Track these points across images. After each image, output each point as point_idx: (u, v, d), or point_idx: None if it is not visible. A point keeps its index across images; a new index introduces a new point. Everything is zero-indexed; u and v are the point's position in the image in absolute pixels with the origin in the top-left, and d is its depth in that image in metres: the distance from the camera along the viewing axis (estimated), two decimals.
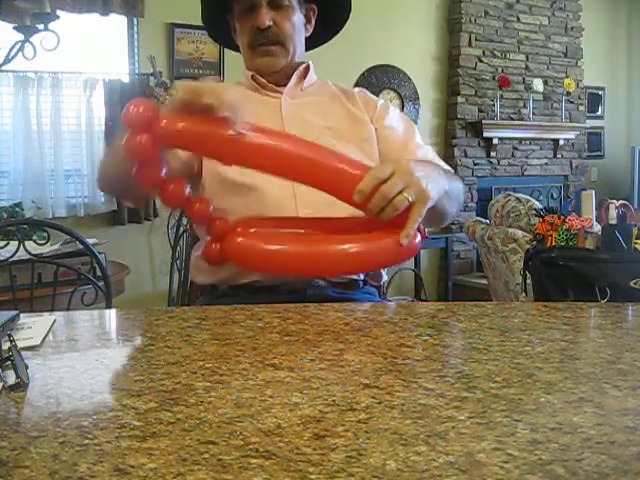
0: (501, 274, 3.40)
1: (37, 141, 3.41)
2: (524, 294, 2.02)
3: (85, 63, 3.52)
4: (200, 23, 1.37)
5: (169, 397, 0.57)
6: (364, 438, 0.48)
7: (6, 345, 0.65)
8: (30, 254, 1.77)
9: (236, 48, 1.33)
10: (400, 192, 0.89)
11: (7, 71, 3.18)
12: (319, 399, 0.56)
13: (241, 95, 1.29)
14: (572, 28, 5.36)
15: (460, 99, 4.78)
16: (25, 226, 2.13)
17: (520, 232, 3.23)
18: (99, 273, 1.79)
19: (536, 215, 2.75)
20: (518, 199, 3.40)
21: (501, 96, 4.88)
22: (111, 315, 1.04)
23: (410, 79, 4.68)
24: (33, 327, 0.81)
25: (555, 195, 5.31)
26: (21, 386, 0.59)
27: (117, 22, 3.66)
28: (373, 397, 0.56)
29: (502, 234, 3.29)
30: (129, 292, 2.98)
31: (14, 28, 2.49)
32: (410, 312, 0.92)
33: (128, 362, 0.71)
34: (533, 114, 5.06)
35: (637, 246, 1.83)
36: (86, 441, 0.48)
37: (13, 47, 2.53)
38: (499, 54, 4.97)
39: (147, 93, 3.47)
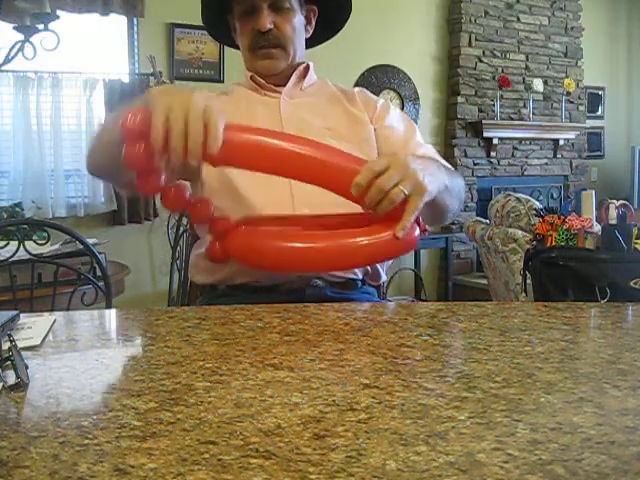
0: (501, 274, 3.40)
1: (37, 141, 3.41)
2: (524, 294, 2.02)
3: (85, 63, 3.52)
4: (200, 23, 1.37)
5: (169, 397, 0.57)
6: (364, 438, 0.48)
7: (6, 345, 0.65)
8: (30, 254, 1.77)
9: (236, 46, 1.33)
10: (396, 185, 0.89)
11: (7, 71, 3.18)
12: (319, 399, 0.56)
13: (240, 95, 1.30)
14: (572, 28, 5.36)
15: (460, 99, 4.78)
16: (25, 226, 2.13)
17: (520, 232, 3.23)
18: (99, 273, 1.80)
19: (536, 215, 2.75)
20: (518, 199, 3.40)
21: (501, 96, 4.88)
22: (111, 315, 1.04)
23: (410, 79, 4.68)
24: (33, 327, 0.81)
25: (555, 195, 5.31)
26: (21, 386, 0.59)
27: (117, 22, 3.66)
28: (373, 397, 0.56)
29: (502, 234, 3.29)
30: (129, 292, 2.98)
31: (14, 28, 2.49)
32: (410, 312, 0.92)
33: (128, 362, 0.71)
34: (533, 114, 5.06)
35: (637, 246, 1.83)
36: (86, 441, 0.48)
37: (13, 47, 2.53)
38: (499, 54, 4.97)
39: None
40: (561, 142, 5.27)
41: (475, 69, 4.85)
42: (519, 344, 0.73)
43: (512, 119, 5.02)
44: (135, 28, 3.70)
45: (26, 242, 1.78)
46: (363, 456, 0.45)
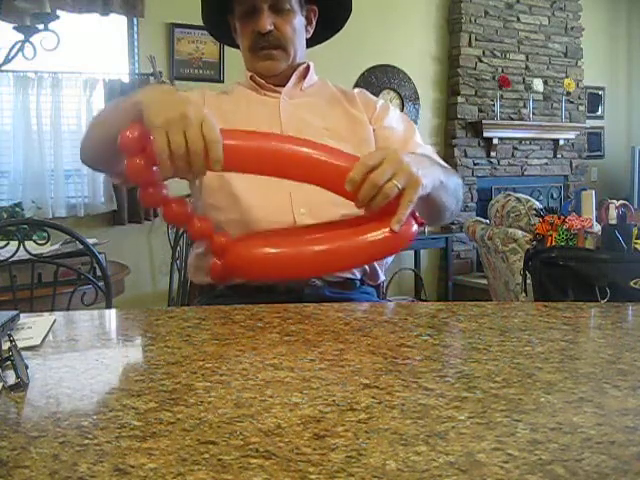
0: (501, 274, 3.40)
1: (37, 141, 3.41)
2: (524, 294, 2.02)
3: (85, 63, 3.52)
4: (200, 23, 1.37)
5: (169, 397, 0.57)
6: (364, 438, 0.48)
7: (6, 345, 0.65)
8: (30, 254, 1.77)
9: (237, 46, 1.33)
10: (390, 179, 0.90)
11: (7, 71, 3.18)
12: (319, 399, 0.56)
13: (240, 95, 1.30)
14: (572, 28, 5.36)
15: (460, 99, 4.78)
16: (25, 226, 2.13)
17: (520, 232, 3.23)
18: (99, 273, 1.80)
19: (536, 215, 2.75)
20: (518, 199, 3.40)
21: (501, 96, 4.88)
22: (111, 315, 1.04)
23: (410, 79, 4.68)
24: (33, 327, 0.81)
25: (555, 195, 5.31)
26: (21, 386, 0.59)
27: (117, 22, 3.66)
28: (373, 397, 0.56)
29: (502, 234, 3.29)
30: (129, 292, 2.98)
31: (14, 28, 2.49)
32: (410, 312, 0.92)
33: (128, 362, 0.71)
34: (533, 114, 5.06)
35: (637, 246, 1.83)
36: (86, 441, 0.48)
37: (13, 47, 2.53)
38: (499, 54, 4.97)
39: None
40: (561, 142, 5.27)
41: (475, 69, 4.85)
42: (519, 344, 0.73)
43: (512, 119, 5.02)
44: (135, 28, 3.70)
45: (26, 242, 1.78)
46: (363, 456, 0.45)
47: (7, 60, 2.57)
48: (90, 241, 1.90)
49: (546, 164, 5.27)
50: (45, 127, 3.42)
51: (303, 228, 1.09)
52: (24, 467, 0.44)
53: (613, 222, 1.87)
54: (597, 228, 1.96)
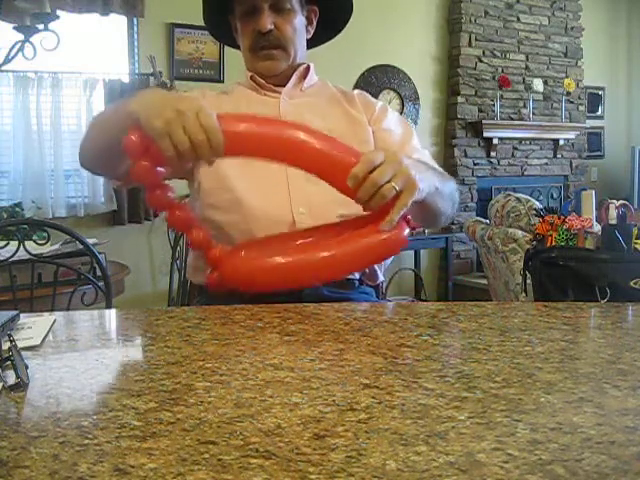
0: (501, 274, 3.40)
1: (37, 141, 3.41)
2: (524, 294, 2.02)
3: (85, 63, 3.52)
4: (200, 23, 1.37)
5: (169, 397, 0.57)
6: (364, 438, 0.48)
7: (6, 345, 0.65)
8: (30, 254, 1.77)
9: (238, 47, 1.33)
10: (389, 181, 0.91)
11: (7, 71, 3.18)
12: (319, 399, 0.56)
13: (240, 95, 1.30)
14: (572, 28, 5.36)
15: (460, 99, 4.78)
16: (25, 226, 2.13)
17: (520, 232, 3.23)
18: (99, 273, 1.79)
19: (536, 215, 2.75)
20: (518, 199, 3.40)
21: (501, 96, 4.88)
22: (111, 315, 1.04)
23: (410, 79, 4.68)
24: (33, 327, 0.81)
25: (555, 195, 5.31)
26: (21, 386, 0.59)
27: (117, 22, 3.66)
28: (373, 397, 0.56)
29: (502, 234, 3.29)
30: (129, 292, 2.98)
31: (14, 28, 2.49)
32: (410, 312, 0.92)
33: (128, 362, 0.71)
34: (533, 114, 5.06)
35: (637, 246, 1.83)
36: (86, 441, 0.48)
37: (13, 47, 2.53)
38: (499, 54, 4.97)
39: None
40: (561, 142, 5.27)
41: (475, 69, 4.85)
42: (519, 344, 0.73)
43: (512, 119, 5.02)
44: (135, 28, 3.70)
45: (26, 242, 1.78)
46: (363, 456, 0.45)
47: (7, 60, 2.57)
48: (90, 241, 1.90)
49: (546, 164, 5.27)
50: (45, 127, 3.42)
51: (297, 235, 1.09)
52: (24, 467, 0.44)
53: (613, 222, 1.87)
54: (597, 228, 1.96)
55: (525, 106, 5.05)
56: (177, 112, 0.88)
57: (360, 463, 0.44)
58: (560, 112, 5.23)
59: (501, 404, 0.55)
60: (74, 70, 3.46)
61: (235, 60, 1.45)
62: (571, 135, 5.31)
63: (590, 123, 5.60)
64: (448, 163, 4.76)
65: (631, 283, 1.73)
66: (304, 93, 1.31)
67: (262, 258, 1.00)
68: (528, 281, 2.00)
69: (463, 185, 4.80)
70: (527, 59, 5.13)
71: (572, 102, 5.34)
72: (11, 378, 0.60)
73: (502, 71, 4.96)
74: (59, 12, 2.88)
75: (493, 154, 4.92)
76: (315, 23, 1.32)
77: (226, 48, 1.76)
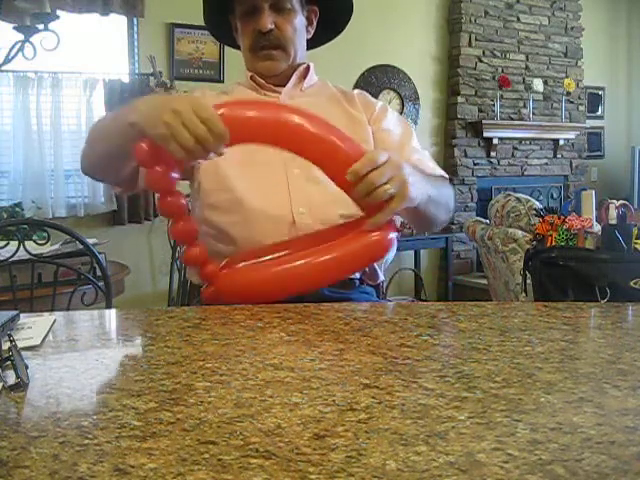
0: (501, 274, 3.40)
1: (37, 141, 3.41)
2: (524, 294, 2.02)
3: (85, 63, 3.52)
4: (200, 23, 1.37)
5: (169, 397, 0.57)
6: (364, 438, 0.48)
7: (6, 345, 0.65)
8: (30, 254, 1.77)
9: (238, 47, 1.33)
10: (385, 182, 0.93)
11: (7, 71, 3.17)
12: (319, 399, 0.56)
13: (240, 95, 1.30)
14: (572, 28, 5.35)
15: (460, 99, 4.78)
16: (25, 226, 2.13)
17: (520, 232, 3.23)
18: (99, 273, 1.79)
19: (536, 215, 2.75)
20: (518, 199, 3.40)
21: (501, 96, 4.88)
22: (111, 315, 1.04)
23: (410, 79, 4.67)
24: (33, 327, 0.81)
25: (555, 195, 5.31)
26: (21, 386, 0.59)
27: (117, 22, 3.66)
28: (373, 397, 0.56)
29: (502, 234, 3.29)
30: (129, 292, 2.97)
31: (14, 28, 2.49)
32: (410, 312, 0.92)
33: (128, 362, 0.71)
34: (533, 114, 5.06)
35: (637, 246, 1.83)
36: (86, 441, 0.48)
37: (13, 47, 2.53)
38: (499, 54, 4.97)
39: (147, 93, 3.47)
40: (561, 142, 5.27)
41: (475, 69, 4.85)
42: (519, 344, 0.73)
43: (512, 119, 5.02)
44: (135, 28, 3.69)
45: (26, 242, 1.78)
46: (363, 456, 0.45)
47: (7, 60, 2.57)
48: (90, 241, 1.90)
49: (546, 164, 5.27)
50: (45, 127, 3.42)
51: (286, 245, 1.09)
52: (24, 467, 0.44)
53: (613, 222, 1.87)
54: (597, 228, 1.96)
55: (525, 106, 5.04)
56: (174, 113, 0.89)
57: (360, 463, 0.44)
58: (560, 112, 5.23)
59: (501, 404, 0.55)
60: (74, 70, 3.46)
61: (235, 60, 1.45)
62: (571, 135, 5.31)
63: (590, 123, 5.60)
64: (448, 163, 4.76)
65: (631, 283, 1.73)
66: (304, 93, 1.31)
67: (251, 275, 1.02)
68: (528, 281, 2.00)
69: (463, 185, 4.80)
70: (527, 59, 5.12)
71: (572, 102, 5.34)
72: (11, 378, 0.60)
73: (502, 71, 4.96)
74: (59, 12, 2.88)
75: (493, 154, 4.92)
76: (315, 23, 1.32)
77: (226, 48, 1.77)
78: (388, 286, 4.29)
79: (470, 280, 4.73)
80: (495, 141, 4.88)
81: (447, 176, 1.30)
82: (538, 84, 5.00)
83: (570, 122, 5.30)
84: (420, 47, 4.73)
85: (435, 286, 4.86)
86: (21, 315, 0.83)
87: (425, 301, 4.30)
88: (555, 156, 5.31)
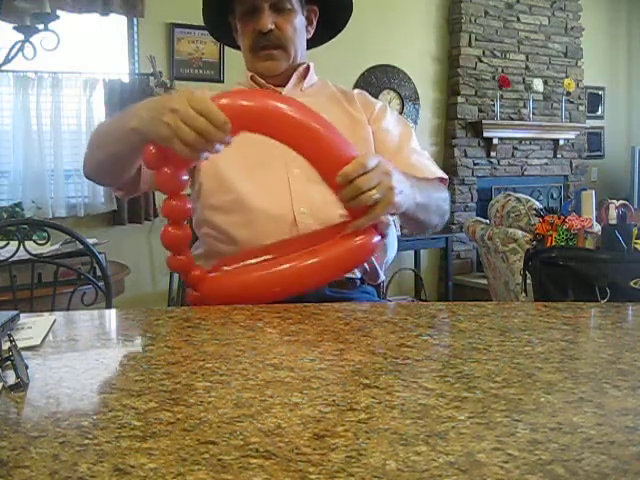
0: (501, 274, 3.40)
1: (37, 141, 3.41)
2: (524, 294, 2.02)
3: (85, 63, 3.52)
4: (200, 23, 1.37)
5: (169, 397, 0.57)
6: (364, 438, 0.48)
7: (6, 345, 0.65)
8: (30, 254, 1.76)
9: (238, 47, 1.33)
10: (372, 188, 0.94)
11: (7, 71, 3.17)
12: (319, 399, 0.56)
13: None
14: (572, 28, 5.35)
15: (460, 99, 4.78)
16: (25, 226, 2.13)
17: (520, 232, 3.23)
18: (99, 273, 1.79)
19: (536, 215, 2.75)
20: (518, 199, 3.40)
21: (501, 96, 4.88)
22: (111, 315, 1.04)
23: (410, 79, 4.67)
24: (33, 327, 0.81)
25: (555, 195, 5.31)
26: (21, 386, 0.59)
27: (117, 22, 3.66)
28: (373, 397, 0.56)
29: (502, 234, 3.29)
30: (129, 292, 2.97)
31: (14, 28, 2.49)
32: (410, 312, 0.92)
33: (128, 362, 0.71)
34: (533, 114, 5.05)
35: (637, 246, 1.83)
36: (86, 441, 0.48)
37: (13, 47, 2.53)
38: (499, 54, 4.97)
39: (147, 93, 3.47)
40: (561, 142, 5.27)
41: (475, 69, 4.85)
42: (519, 344, 0.73)
43: (512, 119, 5.02)
44: (135, 28, 3.69)
45: (26, 242, 1.77)
46: (363, 456, 0.45)
47: (7, 60, 2.57)
48: (90, 241, 1.90)
49: (546, 164, 5.27)
50: (45, 127, 3.42)
51: (270, 248, 1.09)
52: (24, 467, 0.44)
53: (613, 222, 1.87)
54: (597, 228, 1.96)
55: (525, 106, 5.04)
56: (172, 111, 0.90)
57: (360, 463, 0.44)
58: (560, 112, 5.23)
59: (501, 404, 0.55)
60: (74, 70, 3.46)
61: (235, 60, 1.45)
62: (571, 135, 5.31)
63: (590, 123, 5.60)
64: (448, 163, 4.76)
65: (631, 283, 1.73)
66: (304, 93, 1.31)
67: (236, 278, 1.03)
68: (528, 281, 2.00)
69: (463, 185, 4.80)
70: (527, 59, 5.12)
71: (572, 102, 5.34)
72: (11, 378, 0.60)
73: (502, 71, 4.96)
74: (59, 12, 2.88)
75: (493, 154, 4.92)
76: (315, 23, 1.33)
77: (226, 48, 1.77)
78: (388, 286, 4.29)
79: (470, 280, 4.73)
80: (495, 141, 4.88)
81: (446, 177, 1.30)
82: (538, 84, 5.00)
83: (570, 122, 5.30)
84: (420, 47, 4.73)
85: (435, 286, 4.86)
86: (21, 315, 0.83)
87: (425, 301, 4.30)
88: (555, 156, 5.31)
